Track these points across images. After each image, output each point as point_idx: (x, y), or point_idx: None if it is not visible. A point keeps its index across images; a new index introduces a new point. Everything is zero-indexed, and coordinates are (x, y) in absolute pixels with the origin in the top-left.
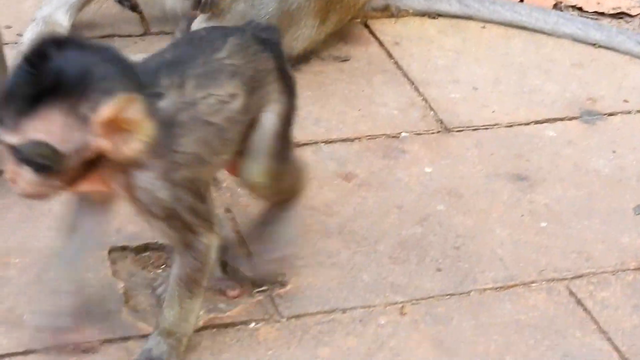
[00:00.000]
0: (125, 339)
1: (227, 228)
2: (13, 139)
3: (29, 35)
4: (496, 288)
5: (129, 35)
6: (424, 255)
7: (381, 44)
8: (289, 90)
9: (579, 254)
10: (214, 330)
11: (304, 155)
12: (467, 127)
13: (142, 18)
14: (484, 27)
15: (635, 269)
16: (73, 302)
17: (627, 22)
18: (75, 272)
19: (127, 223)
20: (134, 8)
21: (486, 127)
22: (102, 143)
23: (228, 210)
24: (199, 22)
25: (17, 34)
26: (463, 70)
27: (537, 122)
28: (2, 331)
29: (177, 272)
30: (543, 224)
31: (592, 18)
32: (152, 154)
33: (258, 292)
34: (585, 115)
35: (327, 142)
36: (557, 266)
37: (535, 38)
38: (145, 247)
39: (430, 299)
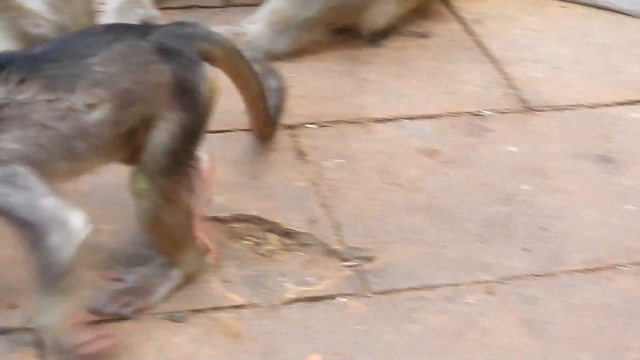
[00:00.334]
0: (215, 309)
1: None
2: None
3: (114, 5)
4: (584, 270)
5: (210, 7)
6: (511, 235)
7: (461, 21)
8: (189, 108)
9: None
10: (304, 303)
11: (388, 130)
12: (550, 106)
13: None
14: (564, 7)
15: None
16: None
17: None
18: None
19: (216, 194)
20: None
21: (569, 108)
22: None
23: (315, 184)
24: (279, 0)
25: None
26: (544, 49)
27: (621, 104)
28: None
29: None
30: (631, 207)
31: None
32: None
33: (346, 266)
34: None
35: (410, 118)
36: None
37: (616, 18)
38: (234, 219)
39: (518, 279)
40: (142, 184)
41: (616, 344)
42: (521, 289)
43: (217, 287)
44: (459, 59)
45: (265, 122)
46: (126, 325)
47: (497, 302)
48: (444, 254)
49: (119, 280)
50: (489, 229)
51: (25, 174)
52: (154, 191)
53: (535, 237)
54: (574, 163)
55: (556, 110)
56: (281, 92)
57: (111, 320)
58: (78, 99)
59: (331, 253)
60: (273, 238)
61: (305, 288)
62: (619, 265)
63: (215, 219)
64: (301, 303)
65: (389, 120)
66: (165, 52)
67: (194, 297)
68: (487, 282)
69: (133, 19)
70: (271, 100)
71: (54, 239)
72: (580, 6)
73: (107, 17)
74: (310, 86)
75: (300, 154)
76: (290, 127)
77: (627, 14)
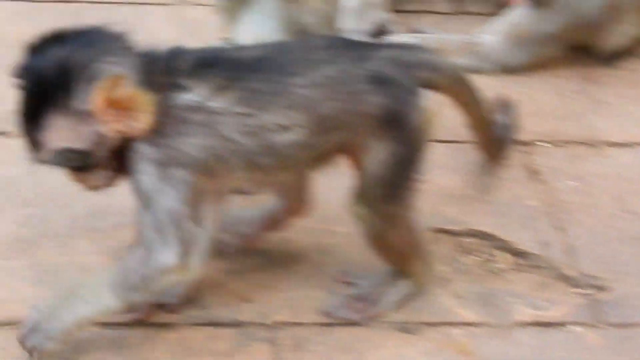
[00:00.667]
0: (447, 324)
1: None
2: (42, 156)
3: (350, 4)
4: None
5: (443, 13)
6: None
7: None
8: (400, 139)
9: None
10: (536, 327)
11: (624, 155)
12: None
13: None
14: None
15: None
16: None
17: None
18: None
19: (441, 206)
20: None
21: None
22: (114, 127)
23: (547, 204)
24: (519, 13)
25: None
26: None
27: None
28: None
29: (125, 260)
30: None
31: None
32: (150, 137)
33: (578, 293)
34: None
35: None
36: None
37: None
38: (465, 233)
39: None
40: (361, 209)
41: None
42: None
43: (449, 302)
44: None
45: (491, 144)
46: (357, 331)
47: None
48: None
49: (350, 284)
50: None
51: (186, 185)
52: (374, 216)
53: None
54: None
55: None
56: (511, 115)
57: (342, 325)
58: (272, 119)
59: (563, 278)
60: (503, 256)
61: (537, 312)
62: None
63: (446, 231)
64: (533, 327)
65: (626, 145)
66: (380, 82)
67: (426, 309)
68: None
69: (368, 21)
70: (501, 122)
71: (164, 262)
72: None
73: (345, 17)
74: (543, 103)
75: (533, 173)
76: (523, 143)
77: None
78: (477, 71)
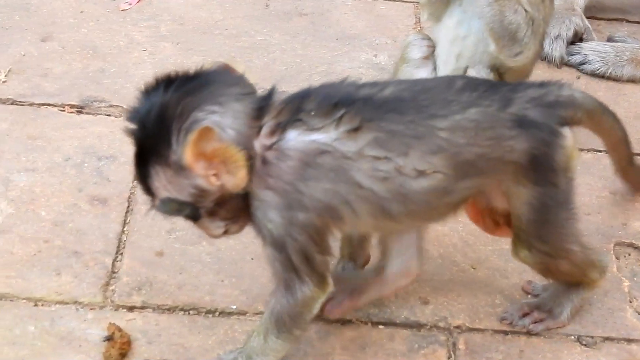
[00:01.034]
0: (628, 340)
1: None
2: (153, 202)
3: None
4: None
5: (637, 22)
6: None
7: None
8: (544, 182)
9: None
10: None
11: None
12: None
13: None
14: None
15: None
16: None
17: None
18: None
19: (635, 220)
20: None
21: None
22: (209, 180)
23: None
24: None
25: None
26: None
27: None
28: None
29: (272, 306)
30: None
31: None
32: (271, 183)
33: None
34: None
35: None
36: None
37: None
38: None
39: None
40: (523, 252)
41: None
42: None
43: (631, 318)
44: None
45: (630, 168)
46: (535, 341)
47: None
48: None
49: (532, 294)
50: None
51: (313, 227)
52: (537, 255)
53: None
54: None
55: None
56: None
57: (520, 333)
58: (409, 163)
59: None
60: None
61: None
62: None
63: (633, 246)
64: None
65: None
66: (525, 126)
67: (607, 324)
68: None
69: (570, 27)
70: None
71: (305, 295)
72: None
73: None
74: None
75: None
76: None
77: None
78: None
